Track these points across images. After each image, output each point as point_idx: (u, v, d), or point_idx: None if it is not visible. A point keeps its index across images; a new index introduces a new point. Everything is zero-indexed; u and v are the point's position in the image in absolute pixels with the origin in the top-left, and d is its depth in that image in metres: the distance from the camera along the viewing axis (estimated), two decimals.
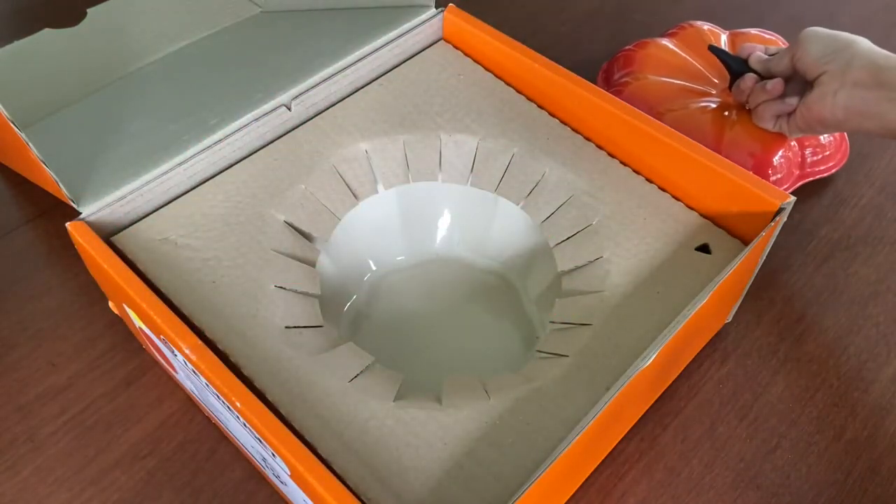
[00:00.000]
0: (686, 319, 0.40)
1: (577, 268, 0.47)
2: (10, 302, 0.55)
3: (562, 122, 0.53)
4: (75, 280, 0.55)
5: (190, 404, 0.49)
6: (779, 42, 0.65)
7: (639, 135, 0.49)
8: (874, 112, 0.49)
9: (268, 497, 0.45)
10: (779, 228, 0.45)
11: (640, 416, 0.48)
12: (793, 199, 0.44)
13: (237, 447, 0.47)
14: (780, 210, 0.44)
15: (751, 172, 0.46)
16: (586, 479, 0.45)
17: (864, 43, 0.51)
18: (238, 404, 0.37)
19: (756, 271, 0.49)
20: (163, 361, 0.48)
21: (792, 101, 0.55)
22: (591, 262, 0.47)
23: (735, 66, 0.58)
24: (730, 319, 0.53)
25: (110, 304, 0.50)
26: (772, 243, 0.47)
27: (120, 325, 0.53)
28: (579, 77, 0.52)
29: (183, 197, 0.48)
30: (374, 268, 0.53)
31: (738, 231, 0.47)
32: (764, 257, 0.48)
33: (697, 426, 0.48)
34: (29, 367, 0.51)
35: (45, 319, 0.53)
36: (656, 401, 0.49)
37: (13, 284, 0.55)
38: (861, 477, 0.46)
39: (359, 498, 0.34)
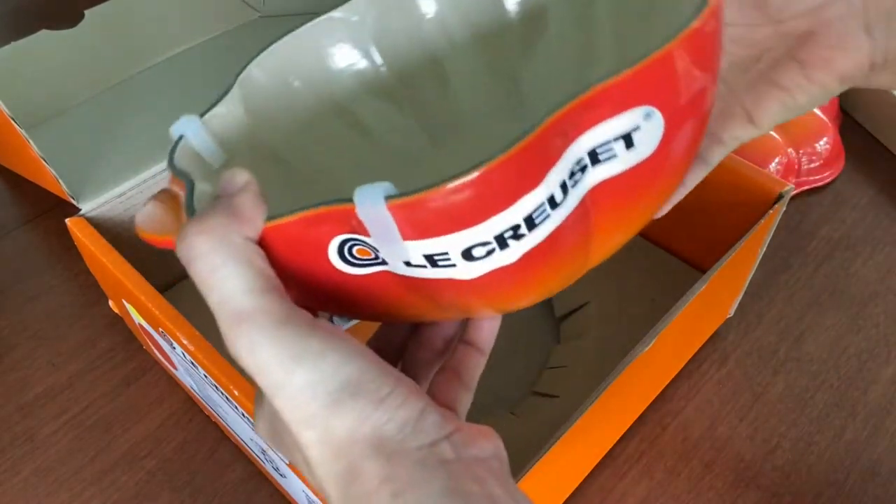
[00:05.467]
0: (687, 304, 0.40)
1: None
2: (10, 302, 0.55)
3: None
4: (75, 280, 0.55)
5: (190, 404, 0.49)
6: None
7: None
8: None
9: (268, 497, 0.45)
10: (779, 216, 0.45)
11: (640, 412, 0.48)
12: (792, 186, 0.44)
13: (237, 446, 0.47)
14: (780, 197, 0.44)
15: (749, 162, 0.46)
16: (586, 479, 0.45)
17: None
18: (236, 392, 0.37)
19: (756, 263, 0.49)
20: (162, 359, 0.48)
21: None
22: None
23: None
24: (731, 314, 0.52)
25: (111, 303, 0.50)
26: (772, 233, 0.47)
27: (120, 325, 0.53)
28: None
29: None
30: None
31: (737, 221, 0.47)
32: (764, 248, 0.47)
33: (697, 426, 0.48)
34: (29, 367, 0.51)
35: (45, 319, 0.53)
36: (656, 401, 0.49)
37: (13, 284, 0.56)
38: (861, 477, 0.46)
39: None
